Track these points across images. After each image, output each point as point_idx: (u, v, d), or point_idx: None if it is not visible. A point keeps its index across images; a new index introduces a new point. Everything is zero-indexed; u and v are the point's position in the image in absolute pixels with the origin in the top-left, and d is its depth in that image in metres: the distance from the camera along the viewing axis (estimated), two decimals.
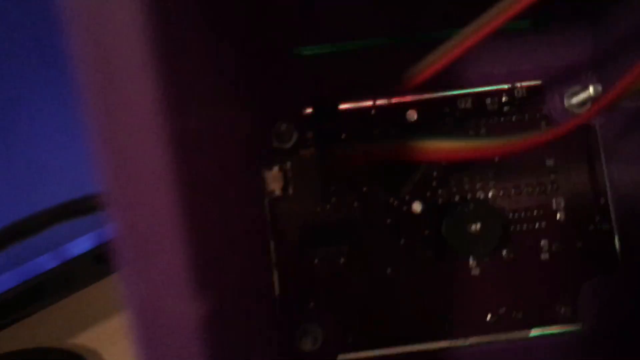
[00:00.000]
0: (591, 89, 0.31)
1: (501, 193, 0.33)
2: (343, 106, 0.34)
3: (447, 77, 0.33)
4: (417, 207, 0.33)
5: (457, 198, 0.33)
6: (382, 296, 0.33)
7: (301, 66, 0.32)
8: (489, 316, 0.33)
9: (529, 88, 0.34)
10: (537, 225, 0.33)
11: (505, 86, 0.34)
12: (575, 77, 0.32)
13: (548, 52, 0.33)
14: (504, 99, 0.34)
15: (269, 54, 0.32)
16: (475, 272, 0.33)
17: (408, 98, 0.34)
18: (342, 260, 0.33)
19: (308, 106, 0.32)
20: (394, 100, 0.34)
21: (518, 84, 0.34)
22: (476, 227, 0.31)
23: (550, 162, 0.33)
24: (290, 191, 0.33)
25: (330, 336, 0.32)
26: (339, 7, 0.32)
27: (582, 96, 0.32)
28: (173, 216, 0.18)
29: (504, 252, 0.33)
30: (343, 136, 0.33)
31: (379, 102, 0.34)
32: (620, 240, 0.33)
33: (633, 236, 0.32)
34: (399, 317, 0.33)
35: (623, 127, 0.32)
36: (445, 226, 0.31)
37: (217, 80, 0.28)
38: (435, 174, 0.33)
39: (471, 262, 0.33)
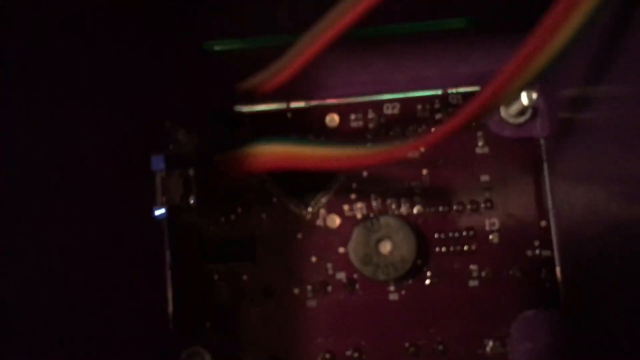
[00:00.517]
0: (525, 98, 0.28)
1: (428, 210, 0.30)
2: (258, 108, 0.30)
3: (371, 78, 0.30)
4: (332, 221, 0.30)
5: (373, 215, 0.29)
6: (287, 320, 0.29)
7: (209, 63, 0.30)
8: (406, 346, 0.29)
9: (464, 94, 0.30)
10: (466, 248, 0.29)
11: (439, 92, 0.30)
12: None
13: (486, 54, 0.29)
14: (436, 105, 0.30)
15: (173, 50, 0.30)
16: (394, 297, 0.29)
17: (329, 101, 0.30)
18: (244, 277, 0.30)
19: (211, 108, 0.29)
20: (313, 102, 0.30)
21: (453, 90, 0.30)
22: (386, 247, 0.27)
23: (485, 178, 0.30)
24: (192, 200, 0.30)
25: None
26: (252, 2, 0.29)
27: (518, 105, 0.28)
28: None
29: (428, 277, 0.29)
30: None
31: (296, 104, 0.31)
32: (562, 269, 0.29)
33: (577, 265, 0.28)
34: (307, 345, 0.29)
35: (571, 140, 0.28)
36: (351, 245, 0.28)
37: (104, 80, 0.25)
38: (354, 186, 0.30)
39: (390, 286, 0.29)
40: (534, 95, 0.28)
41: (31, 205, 0.20)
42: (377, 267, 0.27)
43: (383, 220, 0.28)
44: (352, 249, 0.27)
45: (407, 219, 0.29)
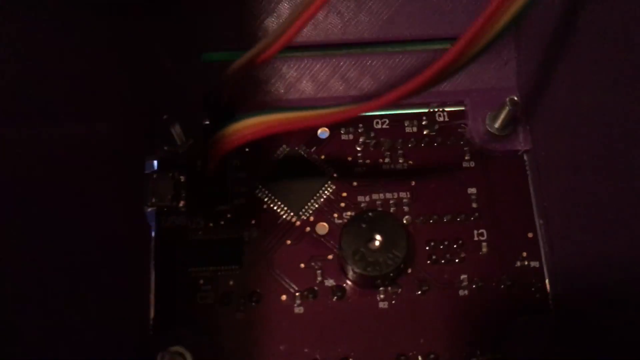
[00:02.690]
0: (507, 111, 0.29)
1: (418, 220, 0.30)
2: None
3: (361, 94, 0.31)
4: (321, 229, 0.30)
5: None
6: (273, 327, 0.28)
7: (202, 72, 0.31)
8: (396, 356, 0.28)
9: (450, 112, 0.31)
10: (455, 257, 0.29)
11: (425, 110, 0.31)
12: (497, 99, 0.30)
13: (471, 73, 0.31)
14: (424, 122, 0.31)
15: (175, 59, 0.31)
16: (384, 305, 0.29)
17: None
18: (230, 282, 0.29)
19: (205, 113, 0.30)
20: None
21: (439, 109, 0.31)
22: (377, 241, 0.27)
23: (472, 190, 0.30)
24: (181, 203, 0.30)
25: None
26: (242, 17, 0.31)
27: (502, 118, 0.30)
28: None
29: (418, 286, 0.29)
30: (247, 149, 0.31)
31: None
32: (551, 279, 0.29)
33: (566, 275, 0.28)
34: (294, 353, 0.28)
35: (555, 155, 0.29)
36: (342, 239, 0.27)
37: (101, 84, 0.26)
38: (344, 194, 0.30)
39: (379, 294, 0.29)
40: (517, 109, 0.29)
41: (20, 204, 0.20)
42: (367, 262, 0.27)
43: (375, 214, 0.28)
44: (344, 243, 0.27)
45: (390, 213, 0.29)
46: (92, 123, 0.26)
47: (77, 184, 0.24)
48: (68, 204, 0.23)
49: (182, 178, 0.30)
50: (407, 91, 0.21)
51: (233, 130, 0.26)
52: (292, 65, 0.31)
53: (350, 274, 0.28)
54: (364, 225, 0.27)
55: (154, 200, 0.29)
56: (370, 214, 0.28)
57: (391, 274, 0.27)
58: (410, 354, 0.28)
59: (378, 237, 0.27)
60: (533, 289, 0.29)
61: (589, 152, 0.26)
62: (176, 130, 0.29)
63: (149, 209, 0.29)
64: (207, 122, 0.29)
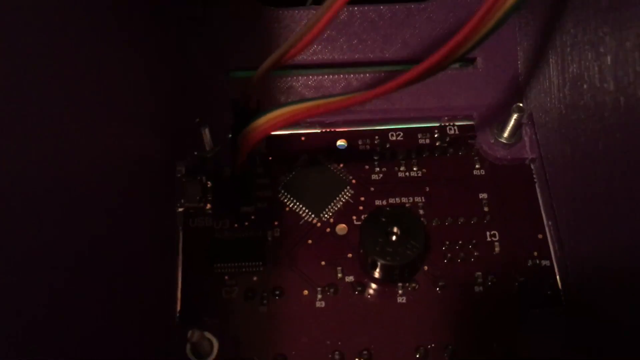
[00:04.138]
0: (514, 119, 0.31)
1: (433, 222, 0.31)
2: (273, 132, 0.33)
3: (380, 106, 0.33)
4: (341, 230, 0.31)
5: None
6: (296, 320, 0.29)
7: (230, 87, 0.33)
8: (415, 348, 0.28)
9: (460, 127, 0.34)
10: (470, 256, 0.30)
11: (437, 124, 0.34)
12: (504, 110, 0.32)
13: (479, 89, 0.34)
14: (436, 134, 0.33)
15: (203, 75, 0.33)
16: (402, 300, 0.30)
17: (339, 129, 0.34)
18: (254, 278, 0.30)
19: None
20: (325, 130, 0.34)
21: (450, 123, 0.34)
22: (395, 232, 0.28)
23: (483, 195, 0.32)
24: (208, 206, 0.31)
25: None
26: (269, 37, 0.34)
27: (510, 127, 0.32)
28: None
29: (434, 282, 0.30)
30: (270, 158, 0.33)
31: (310, 130, 0.34)
32: (561, 276, 0.30)
33: (576, 272, 0.30)
34: (316, 345, 0.29)
35: (559, 163, 0.31)
36: (362, 229, 0.29)
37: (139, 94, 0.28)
38: (362, 199, 0.32)
39: (398, 290, 0.30)
40: (523, 116, 0.31)
41: (64, 202, 0.21)
42: (387, 252, 0.28)
43: (392, 210, 0.29)
44: (364, 236, 0.29)
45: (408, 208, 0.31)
46: (130, 130, 0.28)
47: (118, 187, 0.26)
48: (110, 206, 0.25)
49: (209, 183, 0.32)
50: (417, 74, 0.23)
51: (256, 125, 0.28)
52: (310, 84, 0.34)
53: (371, 267, 0.29)
54: (383, 219, 0.29)
55: (182, 201, 0.31)
56: (388, 209, 0.29)
57: (410, 266, 0.29)
58: (429, 346, 0.29)
59: (397, 229, 0.29)
60: (545, 285, 0.30)
61: (594, 154, 0.28)
62: (205, 134, 0.31)
63: (178, 210, 0.31)
64: (234, 124, 0.31)
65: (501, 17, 0.23)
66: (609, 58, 0.25)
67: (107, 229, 0.24)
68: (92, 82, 0.23)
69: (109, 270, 0.24)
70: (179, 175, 0.31)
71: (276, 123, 0.27)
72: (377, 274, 0.29)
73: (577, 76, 0.28)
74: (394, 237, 0.29)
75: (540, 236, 0.31)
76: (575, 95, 0.29)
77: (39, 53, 0.19)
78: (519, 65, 0.34)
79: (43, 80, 0.19)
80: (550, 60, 0.31)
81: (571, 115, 0.29)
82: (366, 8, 0.34)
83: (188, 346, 0.27)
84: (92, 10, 0.23)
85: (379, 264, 0.28)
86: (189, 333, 0.25)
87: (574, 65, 0.29)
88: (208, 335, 0.27)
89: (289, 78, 0.34)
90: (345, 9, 0.34)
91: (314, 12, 0.33)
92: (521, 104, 0.31)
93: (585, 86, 0.27)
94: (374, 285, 0.30)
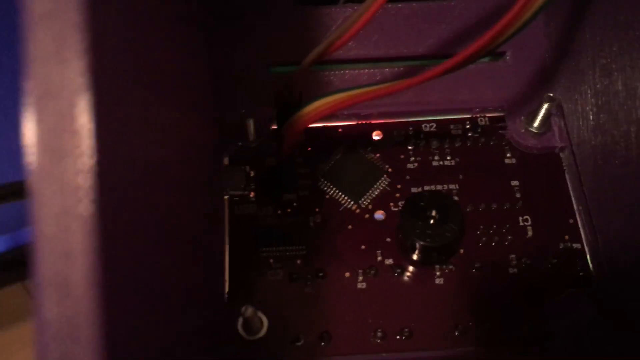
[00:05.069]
0: (544, 109, 0.33)
1: (468, 208, 0.33)
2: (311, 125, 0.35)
3: (413, 99, 0.35)
4: (379, 215, 0.33)
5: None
6: (339, 300, 0.30)
7: (271, 82, 0.35)
8: (454, 326, 0.30)
9: (491, 118, 0.35)
10: (504, 239, 0.32)
11: (468, 115, 0.35)
12: (533, 100, 0.34)
13: (509, 80, 0.35)
14: (467, 126, 0.35)
15: (245, 70, 0.35)
16: (439, 281, 0.31)
17: (374, 120, 0.35)
18: (298, 262, 0.31)
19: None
20: (360, 122, 0.35)
21: (481, 115, 0.35)
22: (434, 215, 0.30)
23: (515, 183, 0.33)
24: (251, 194, 0.33)
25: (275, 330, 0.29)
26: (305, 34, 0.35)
27: (540, 117, 0.33)
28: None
29: (470, 265, 0.31)
30: (309, 149, 0.34)
31: (347, 122, 0.35)
32: (592, 259, 0.31)
33: (605, 255, 0.31)
34: (359, 323, 0.30)
35: (587, 151, 0.33)
36: (402, 213, 0.30)
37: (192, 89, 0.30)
38: (399, 186, 0.33)
39: (436, 272, 0.31)
40: (554, 106, 0.33)
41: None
42: (426, 234, 0.29)
43: (430, 194, 0.31)
44: (404, 220, 0.30)
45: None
46: (181, 119, 0.29)
47: (174, 174, 0.27)
48: (166, 194, 0.26)
49: (252, 172, 0.33)
50: (451, 65, 0.25)
51: (303, 113, 0.29)
52: (347, 78, 0.35)
53: (410, 249, 0.30)
54: (422, 204, 0.30)
55: (227, 189, 0.33)
56: (427, 194, 0.31)
57: (448, 248, 0.30)
58: (467, 325, 0.30)
59: (435, 213, 0.30)
60: (577, 267, 0.31)
61: (624, 141, 0.29)
62: (250, 125, 0.32)
63: (224, 197, 0.33)
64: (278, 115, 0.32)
65: (531, 15, 0.24)
66: None
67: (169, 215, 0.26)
68: (166, 76, 0.25)
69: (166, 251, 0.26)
70: (224, 164, 0.33)
71: (322, 111, 0.28)
72: (415, 257, 0.31)
73: (606, 65, 0.30)
74: (432, 221, 0.30)
75: (571, 221, 0.32)
76: (606, 84, 0.30)
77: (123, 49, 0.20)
78: (547, 58, 0.35)
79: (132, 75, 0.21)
80: (580, 51, 0.32)
81: (601, 105, 0.31)
82: (399, 6, 0.35)
83: (240, 321, 0.28)
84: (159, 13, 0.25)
85: (417, 245, 0.30)
86: (243, 308, 0.27)
87: (604, 56, 0.30)
88: (260, 314, 0.28)
89: (327, 72, 0.35)
90: None
91: (350, 10, 0.35)
92: (552, 95, 0.32)
93: (615, 74, 0.29)
94: (411, 268, 0.31)
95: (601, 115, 0.31)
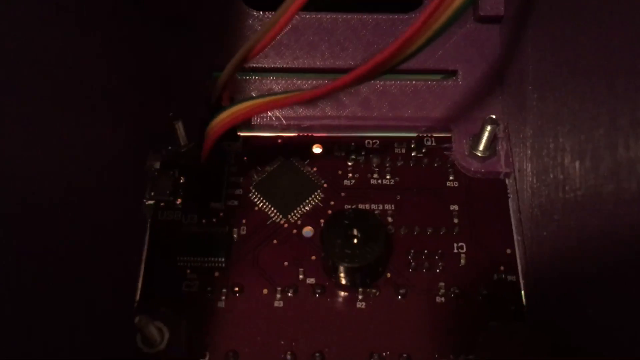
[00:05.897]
0: (488, 131, 0.31)
1: (401, 230, 0.31)
2: (253, 133, 0.34)
3: (357, 114, 0.34)
4: (307, 232, 0.31)
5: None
6: (252, 317, 0.29)
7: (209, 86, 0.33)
8: (370, 355, 0.28)
9: (437, 138, 0.34)
10: (434, 266, 0.30)
11: (414, 134, 0.34)
12: (479, 122, 0.32)
13: (458, 101, 0.34)
14: (412, 145, 0.33)
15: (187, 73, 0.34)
16: (361, 305, 0.29)
17: (316, 133, 0.34)
18: (216, 274, 0.30)
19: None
20: (301, 134, 0.34)
21: (428, 134, 0.34)
22: (356, 234, 0.28)
23: (454, 207, 0.32)
24: (178, 201, 0.32)
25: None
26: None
27: (484, 140, 0.32)
28: None
29: (396, 290, 0.29)
30: (245, 158, 0.33)
31: (286, 134, 0.34)
32: (527, 292, 0.29)
33: (540, 289, 0.29)
34: (270, 344, 0.28)
35: (533, 180, 0.31)
36: (324, 231, 0.29)
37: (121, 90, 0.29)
38: (332, 203, 0.32)
39: (358, 295, 0.29)
40: (498, 128, 0.31)
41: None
42: (346, 254, 0.28)
43: (355, 212, 0.29)
44: (326, 237, 0.28)
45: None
46: (105, 122, 0.28)
47: (87, 178, 0.26)
48: (76, 196, 0.25)
49: (182, 178, 0.32)
50: (372, 66, 0.24)
51: (214, 123, 0.28)
52: (290, 88, 0.34)
53: (332, 269, 0.29)
54: (345, 222, 0.29)
55: (153, 194, 0.32)
56: (350, 212, 0.29)
57: (370, 269, 0.28)
58: (384, 353, 0.28)
59: (357, 232, 0.28)
60: (509, 300, 0.29)
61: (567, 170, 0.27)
62: (179, 128, 0.31)
63: (147, 202, 0.31)
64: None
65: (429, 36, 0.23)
66: None
67: (79, 217, 0.25)
68: (75, 78, 0.24)
69: (76, 254, 0.25)
70: (152, 168, 0.32)
71: (236, 117, 0.27)
72: (339, 278, 0.29)
73: (545, 93, 0.28)
74: (354, 240, 0.28)
75: (508, 251, 0.31)
76: (551, 112, 0.29)
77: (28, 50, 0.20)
78: (499, 81, 0.33)
79: (31, 79, 0.20)
80: (530, 77, 0.31)
81: (546, 131, 0.29)
82: (349, 17, 0.34)
83: (138, 335, 0.27)
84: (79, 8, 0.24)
85: (337, 265, 0.28)
86: (136, 319, 0.25)
87: (552, 83, 0.28)
88: (159, 324, 0.27)
89: (269, 80, 0.34)
90: (328, 16, 0.34)
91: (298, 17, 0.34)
92: (494, 116, 0.31)
93: (553, 100, 0.27)
94: (334, 289, 0.30)
95: (536, 145, 0.29)
